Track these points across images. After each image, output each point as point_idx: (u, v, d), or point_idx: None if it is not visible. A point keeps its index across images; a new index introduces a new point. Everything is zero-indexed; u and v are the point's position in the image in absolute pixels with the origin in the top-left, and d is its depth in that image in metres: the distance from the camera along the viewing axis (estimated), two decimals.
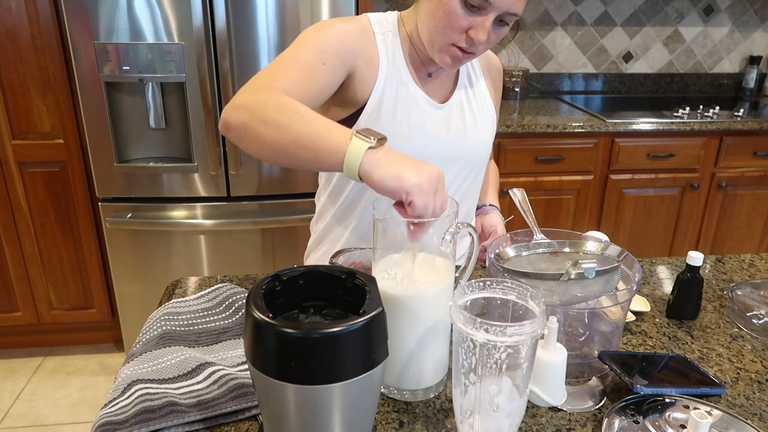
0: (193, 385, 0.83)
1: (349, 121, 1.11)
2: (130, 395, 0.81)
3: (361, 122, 1.09)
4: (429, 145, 1.12)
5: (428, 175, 0.78)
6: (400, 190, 0.77)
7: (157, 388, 0.82)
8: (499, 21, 1.00)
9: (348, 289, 0.74)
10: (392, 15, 1.14)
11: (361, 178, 0.81)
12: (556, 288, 0.88)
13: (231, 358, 0.90)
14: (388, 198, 0.83)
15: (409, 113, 1.10)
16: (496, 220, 1.31)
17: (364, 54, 1.07)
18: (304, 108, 0.88)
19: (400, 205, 0.80)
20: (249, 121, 0.88)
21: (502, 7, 0.97)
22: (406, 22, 1.12)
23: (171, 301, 1.06)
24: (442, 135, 1.14)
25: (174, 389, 0.82)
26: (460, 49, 1.02)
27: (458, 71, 1.20)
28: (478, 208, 1.35)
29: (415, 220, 0.79)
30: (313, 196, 1.33)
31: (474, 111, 1.20)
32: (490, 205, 1.36)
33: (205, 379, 0.84)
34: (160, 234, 2.25)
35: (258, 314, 0.63)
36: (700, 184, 2.61)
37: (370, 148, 0.80)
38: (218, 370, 0.85)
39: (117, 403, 0.81)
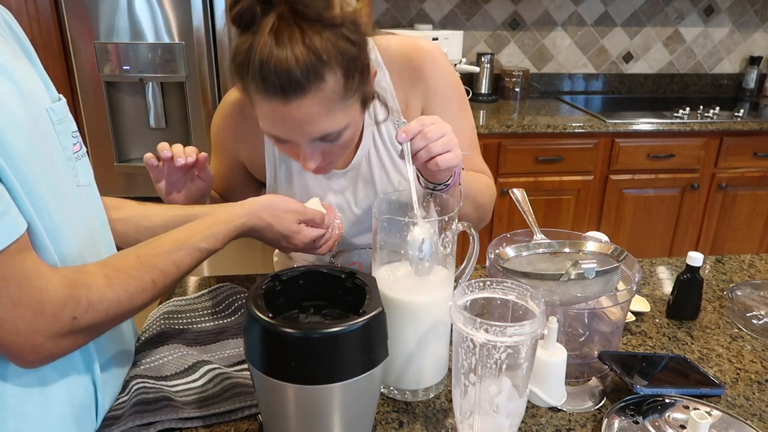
0: (189, 383, 0.83)
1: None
2: (128, 390, 0.81)
3: (270, 192, 1.12)
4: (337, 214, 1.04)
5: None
6: None
7: (154, 383, 0.82)
8: (322, 139, 0.87)
9: (348, 289, 0.74)
10: None
11: None
12: (556, 288, 0.88)
13: (228, 358, 0.90)
14: (388, 198, 0.83)
15: (306, 188, 1.08)
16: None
17: (247, 141, 1.09)
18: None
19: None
20: None
21: (302, 138, 0.85)
22: None
23: (171, 300, 1.06)
24: (349, 200, 1.09)
25: (170, 386, 0.82)
26: None
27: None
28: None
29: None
30: None
31: (386, 165, 1.06)
32: None
33: (201, 377, 0.84)
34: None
35: (258, 314, 0.63)
36: (700, 184, 2.61)
37: None
38: (214, 369, 0.85)
39: (117, 399, 0.81)
